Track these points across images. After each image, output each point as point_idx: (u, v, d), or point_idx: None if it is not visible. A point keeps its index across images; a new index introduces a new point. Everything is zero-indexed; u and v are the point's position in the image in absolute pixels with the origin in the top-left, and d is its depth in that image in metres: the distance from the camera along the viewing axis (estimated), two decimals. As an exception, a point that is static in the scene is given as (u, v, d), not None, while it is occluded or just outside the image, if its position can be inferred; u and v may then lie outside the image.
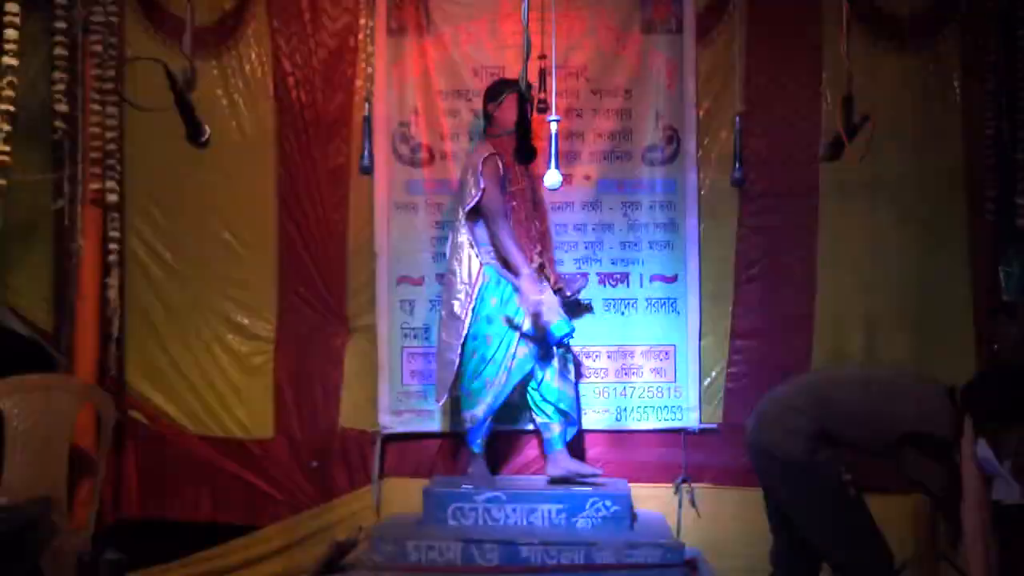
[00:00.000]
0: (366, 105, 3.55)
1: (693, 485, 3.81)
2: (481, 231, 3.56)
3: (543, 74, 2.86)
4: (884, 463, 2.54)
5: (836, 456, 2.49)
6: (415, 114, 3.89)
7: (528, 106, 2.75)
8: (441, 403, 3.70)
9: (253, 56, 3.91)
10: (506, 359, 3.51)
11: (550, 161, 3.24)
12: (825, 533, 2.57)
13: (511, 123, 3.36)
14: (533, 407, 3.66)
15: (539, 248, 3.67)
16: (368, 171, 3.56)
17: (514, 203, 3.62)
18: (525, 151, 2.83)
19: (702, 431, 3.85)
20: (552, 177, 3.35)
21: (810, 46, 3.89)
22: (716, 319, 3.91)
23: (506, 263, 3.53)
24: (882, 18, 3.88)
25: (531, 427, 3.80)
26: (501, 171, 3.53)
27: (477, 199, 3.48)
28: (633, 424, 3.88)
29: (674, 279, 3.88)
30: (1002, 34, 3.81)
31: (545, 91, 2.85)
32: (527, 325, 3.48)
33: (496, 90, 3.63)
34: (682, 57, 3.88)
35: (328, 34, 3.92)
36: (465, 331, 3.50)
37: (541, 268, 3.62)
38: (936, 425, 2.38)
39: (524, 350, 3.52)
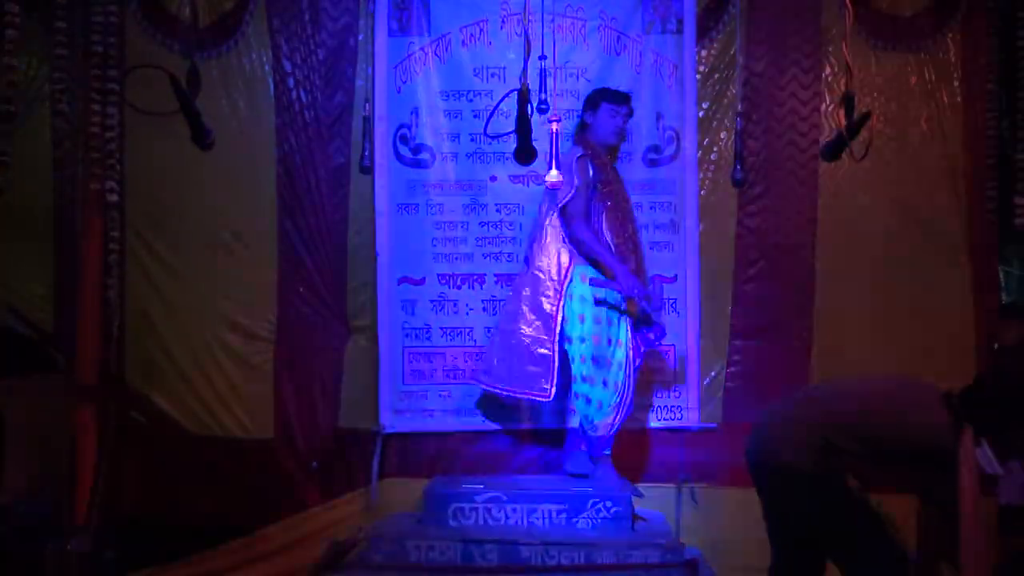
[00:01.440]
0: (367, 105, 3.55)
1: (693, 484, 3.81)
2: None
3: (543, 75, 2.86)
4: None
5: (841, 464, 2.49)
6: (415, 114, 3.89)
7: (528, 106, 2.75)
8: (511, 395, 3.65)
9: (253, 56, 3.90)
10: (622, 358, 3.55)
11: (551, 162, 3.24)
12: (838, 542, 2.56)
13: (605, 131, 3.58)
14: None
15: (632, 247, 3.65)
16: (369, 171, 3.57)
17: (609, 202, 3.58)
18: (525, 152, 2.83)
19: (702, 430, 3.85)
20: (552, 177, 3.36)
21: (810, 46, 3.90)
22: (716, 319, 3.91)
23: (595, 263, 3.54)
24: (882, 18, 3.88)
25: (527, 427, 3.86)
26: (591, 173, 3.53)
27: (569, 197, 3.48)
28: (633, 424, 3.88)
29: (674, 279, 3.88)
30: (1002, 34, 3.82)
31: (546, 92, 2.84)
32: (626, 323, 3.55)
33: (593, 100, 3.65)
34: (682, 57, 3.88)
35: (328, 34, 3.91)
36: (558, 328, 3.51)
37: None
38: (938, 438, 2.38)
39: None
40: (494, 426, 3.87)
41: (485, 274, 3.90)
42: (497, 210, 3.88)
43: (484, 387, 3.70)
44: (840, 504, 2.48)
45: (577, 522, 3.40)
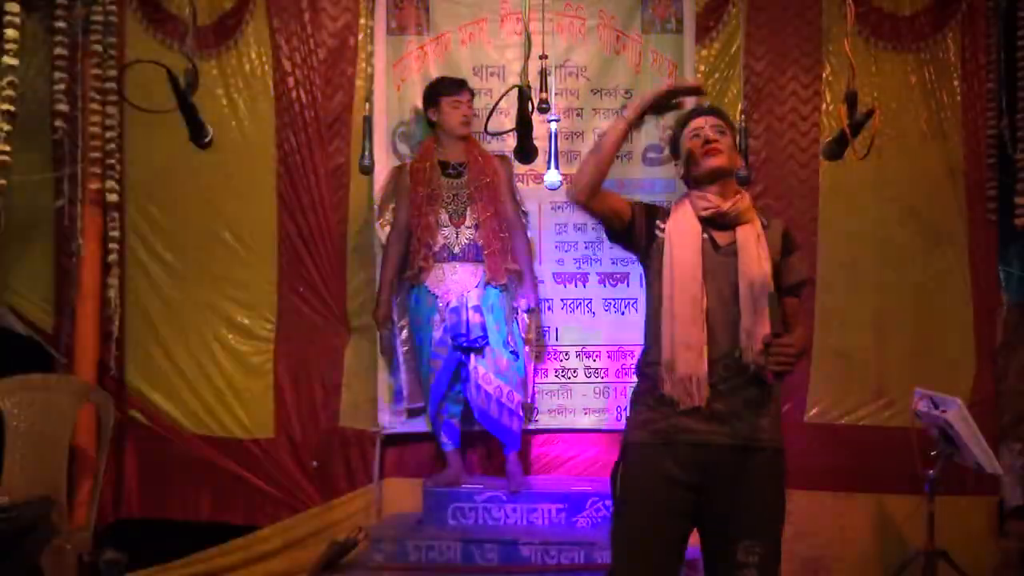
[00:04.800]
0: (366, 105, 3.55)
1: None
2: None
3: (543, 74, 2.85)
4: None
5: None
6: (415, 113, 3.88)
7: (528, 105, 2.75)
8: None
9: (253, 56, 3.91)
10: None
11: (550, 161, 3.25)
12: None
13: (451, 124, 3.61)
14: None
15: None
16: (368, 171, 3.56)
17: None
18: (525, 150, 2.83)
19: (702, 431, 3.84)
20: (552, 177, 3.36)
21: (810, 46, 3.90)
22: (716, 319, 3.90)
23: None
24: (882, 18, 3.88)
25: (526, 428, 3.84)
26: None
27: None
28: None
29: (674, 279, 3.87)
30: (1002, 34, 3.82)
31: (545, 91, 2.84)
32: None
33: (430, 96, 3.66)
34: (682, 57, 3.87)
35: (328, 33, 3.92)
36: None
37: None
38: None
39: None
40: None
41: (484, 274, 3.89)
42: (496, 209, 3.87)
43: None
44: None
45: (577, 521, 3.40)
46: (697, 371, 2.00)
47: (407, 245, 3.61)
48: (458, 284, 3.50)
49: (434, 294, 3.52)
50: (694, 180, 2.17)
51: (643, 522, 2.06)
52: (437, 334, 3.51)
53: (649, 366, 2.12)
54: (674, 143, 2.25)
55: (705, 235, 2.10)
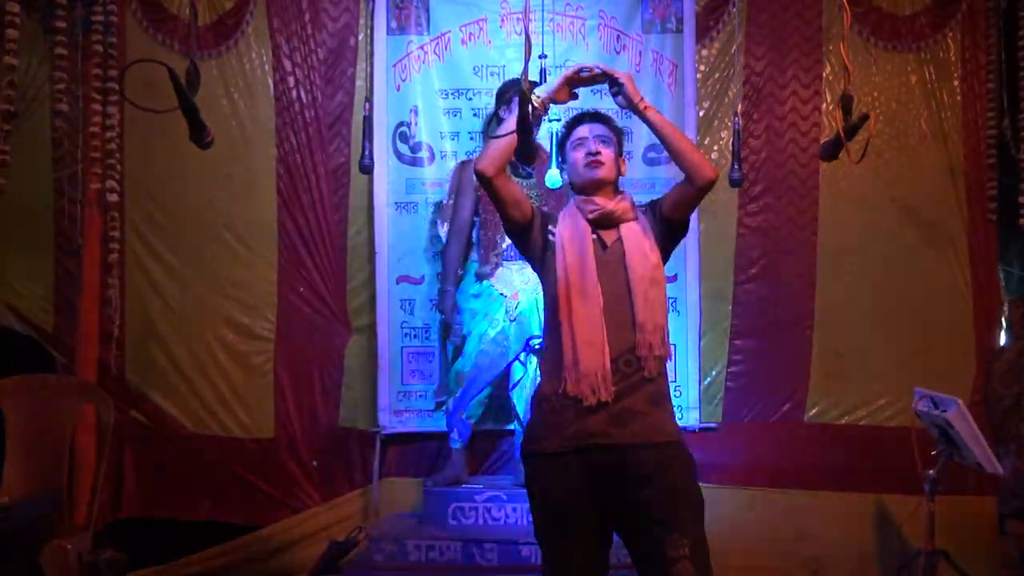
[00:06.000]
0: (366, 104, 3.56)
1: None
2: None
3: (543, 73, 2.85)
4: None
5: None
6: (415, 113, 3.89)
7: (528, 106, 2.75)
8: None
9: (253, 55, 3.91)
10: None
11: (550, 161, 3.24)
12: None
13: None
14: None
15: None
16: (368, 170, 3.56)
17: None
18: (525, 151, 2.83)
19: (702, 430, 3.85)
20: (552, 177, 3.35)
21: (810, 45, 3.90)
22: (716, 319, 3.91)
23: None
24: (882, 18, 3.89)
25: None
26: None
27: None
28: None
29: (674, 279, 3.87)
30: (1002, 34, 3.82)
31: (545, 91, 2.84)
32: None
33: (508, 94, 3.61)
34: (682, 57, 3.88)
35: (328, 33, 3.92)
36: None
37: None
38: None
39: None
40: (493, 426, 3.86)
41: (485, 273, 3.89)
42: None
43: None
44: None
45: (577, 522, 3.39)
46: (600, 367, 2.01)
47: (468, 240, 3.63)
48: (528, 285, 3.49)
49: (502, 293, 3.51)
50: (577, 188, 2.22)
51: (564, 531, 2.07)
52: (492, 331, 3.48)
53: (554, 370, 2.08)
54: (561, 147, 2.26)
55: (594, 235, 2.14)
